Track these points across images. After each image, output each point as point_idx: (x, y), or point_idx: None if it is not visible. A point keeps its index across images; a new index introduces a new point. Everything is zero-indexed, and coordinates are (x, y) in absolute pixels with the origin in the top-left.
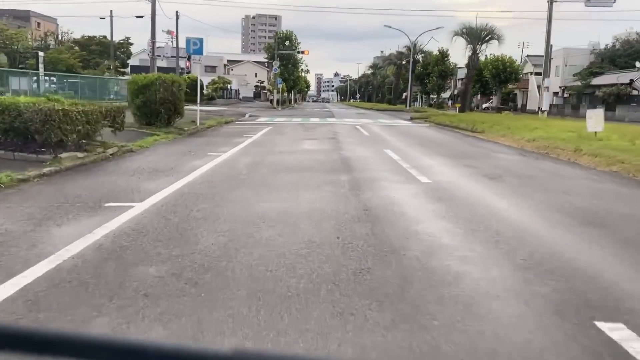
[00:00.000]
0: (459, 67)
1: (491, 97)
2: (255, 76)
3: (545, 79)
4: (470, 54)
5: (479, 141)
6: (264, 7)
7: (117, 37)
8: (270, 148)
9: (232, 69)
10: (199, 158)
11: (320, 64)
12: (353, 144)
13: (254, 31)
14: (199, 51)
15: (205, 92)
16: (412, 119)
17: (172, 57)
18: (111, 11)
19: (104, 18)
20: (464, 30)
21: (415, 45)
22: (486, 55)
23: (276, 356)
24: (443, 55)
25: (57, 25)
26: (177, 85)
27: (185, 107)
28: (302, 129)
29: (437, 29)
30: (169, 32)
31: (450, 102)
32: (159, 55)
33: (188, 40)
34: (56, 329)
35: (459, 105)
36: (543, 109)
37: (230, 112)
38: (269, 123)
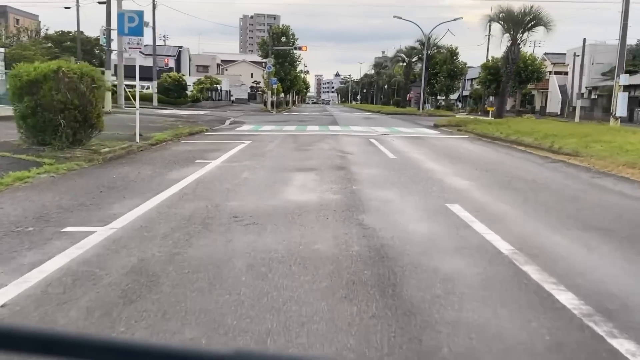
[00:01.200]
0: (470, 67)
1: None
2: (251, 77)
3: (622, 77)
4: (508, 44)
5: (597, 177)
6: (264, 4)
7: (97, 33)
8: (221, 200)
9: (226, 69)
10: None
11: (321, 65)
12: (381, 187)
13: (252, 31)
14: (137, 31)
15: (188, 93)
16: (437, 126)
17: (144, 54)
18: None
19: (69, 8)
20: (502, 14)
21: (429, 38)
22: (504, 52)
23: (276, 357)
24: (452, 53)
25: (39, 22)
26: (88, 82)
27: (163, 111)
28: (294, 145)
29: (455, 20)
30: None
31: (459, 105)
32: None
33: (120, 15)
34: (58, 329)
35: (492, 108)
36: (617, 115)
37: (209, 117)
38: (251, 134)
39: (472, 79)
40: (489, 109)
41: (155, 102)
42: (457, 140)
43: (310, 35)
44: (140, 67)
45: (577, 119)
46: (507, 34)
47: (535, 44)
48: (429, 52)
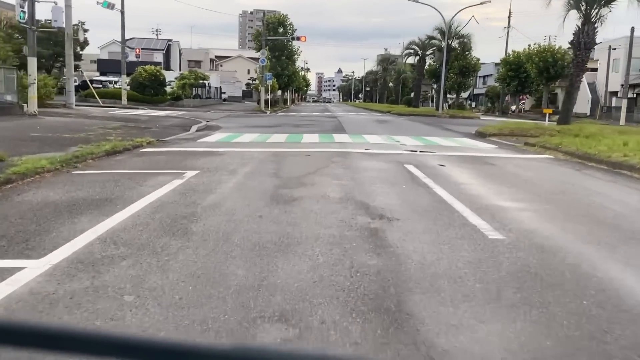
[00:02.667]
0: (483, 63)
1: (523, 97)
2: (248, 73)
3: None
4: (579, 23)
5: None
6: (264, 3)
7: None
8: None
9: (221, 65)
10: None
11: (322, 63)
12: None
13: (252, 27)
14: None
15: (168, 89)
16: (484, 135)
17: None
18: None
19: None
20: None
21: (450, 26)
22: (529, 45)
23: (275, 351)
24: (464, 48)
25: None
26: None
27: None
28: (272, 185)
29: (481, 3)
30: (109, 5)
31: (473, 104)
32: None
33: None
34: (58, 324)
35: (550, 110)
36: None
37: (175, 120)
38: (213, 152)
39: (484, 76)
40: (545, 111)
41: (124, 100)
42: (554, 167)
43: (311, 33)
44: (117, 61)
45: (622, 121)
46: (575, 10)
47: (550, 38)
48: (450, 42)
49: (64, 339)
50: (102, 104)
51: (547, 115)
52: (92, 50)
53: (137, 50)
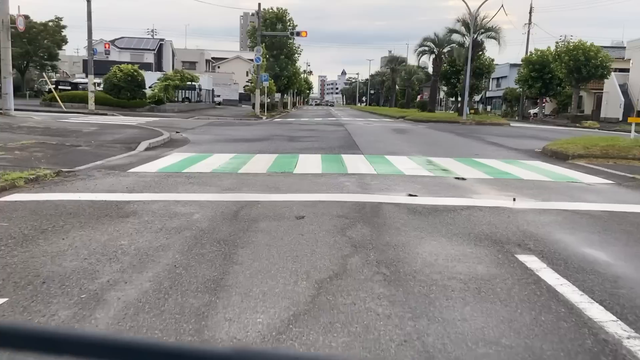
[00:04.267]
0: (497, 65)
1: (545, 100)
2: (247, 75)
3: None
4: None
5: None
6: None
7: (45, 18)
8: None
9: (218, 67)
10: None
11: (324, 66)
12: None
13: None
14: None
15: (148, 92)
16: (565, 157)
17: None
18: None
19: None
20: None
21: (476, 18)
22: (556, 43)
23: (276, 355)
24: (478, 47)
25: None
26: None
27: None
28: None
29: None
30: None
31: (488, 108)
32: None
33: None
34: (56, 327)
35: (638, 119)
36: None
37: (129, 132)
38: (118, 208)
39: (498, 78)
40: (631, 120)
41: (91, 105)
42: None
43: (314, 37)
44: (98, 61)
45: None
46: None
47: (566, 37)
48: (475, 36)
49: (63, 341)
50: (64, 110)
51: (633, 125)
52: (83, 52)
53: (106, 45)
